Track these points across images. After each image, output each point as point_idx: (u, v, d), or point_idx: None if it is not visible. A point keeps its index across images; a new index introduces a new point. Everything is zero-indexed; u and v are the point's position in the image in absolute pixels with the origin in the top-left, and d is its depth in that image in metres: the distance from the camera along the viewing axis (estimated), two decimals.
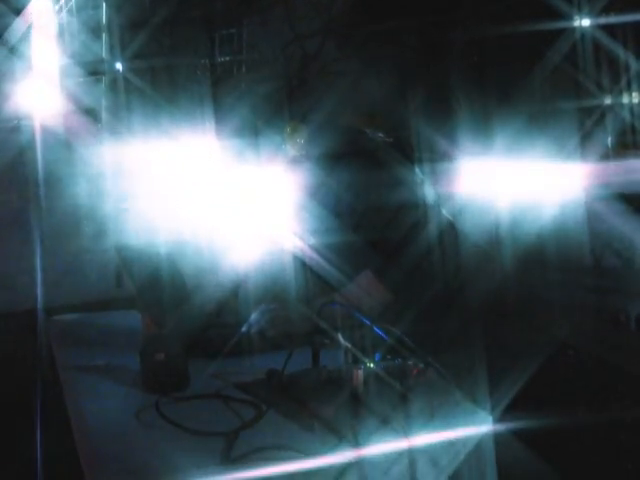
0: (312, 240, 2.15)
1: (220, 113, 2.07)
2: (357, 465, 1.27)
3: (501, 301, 2.27)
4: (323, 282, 2.12)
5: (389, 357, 1.50)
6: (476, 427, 1.43)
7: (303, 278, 2.33)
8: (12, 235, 6.80)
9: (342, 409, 1.33)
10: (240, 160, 2.04)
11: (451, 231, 2.23)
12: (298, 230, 2.18)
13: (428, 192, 2.16)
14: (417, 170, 2.16)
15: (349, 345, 1.51)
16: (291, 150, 2.00)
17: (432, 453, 1.49)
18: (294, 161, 2.02)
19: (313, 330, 1.56)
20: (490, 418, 1.44)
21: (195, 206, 8.73)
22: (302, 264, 2.31)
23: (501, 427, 1.54)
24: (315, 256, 2.18)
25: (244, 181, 2.12)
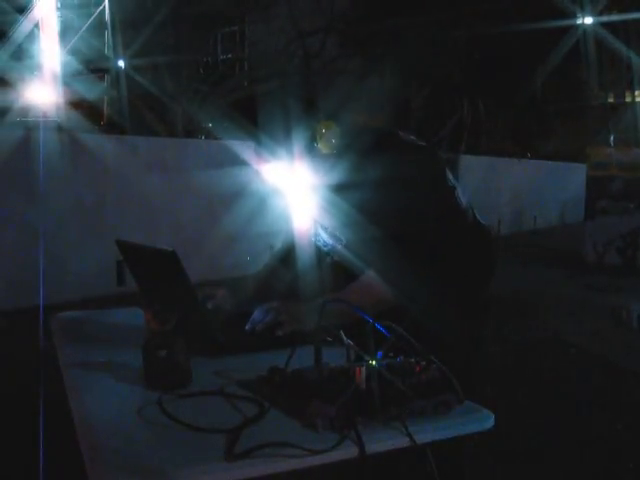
0: (340, 236, 2.16)
1: (252, 111, 2.08)
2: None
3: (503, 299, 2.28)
4: (349, 278, 2.13)
5: (391, 355, 1.51)
6: (478, 425, 1.43)
7: (327, 273, 2.35)
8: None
9: (344, 406, 1.33)
10: (268, 156, 2.05)
11: (484, 235, 2.24)
12: (326, 226, 2.19)
13: (460, 195, 2.16)
14: (449, 174, 2.16)
15: (351, 343, 1.51)
16: (323, 148, 2.01)
17: (434, 450, 1.49)
18: (324, 158, 2.03)
19: (316, 327, 1.56)
20: (492, 416, 1.44)
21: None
22: (328, 259, 2.33)
23: (503, 424, 1.54)
24: (342, 252, 2.19)
25: (272, 177, 2.13)
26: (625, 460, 3.64)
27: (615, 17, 18.86)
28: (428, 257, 2.01)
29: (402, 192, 1.99)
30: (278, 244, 2.47)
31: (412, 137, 2.18)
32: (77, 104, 15.74)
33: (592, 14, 18.26)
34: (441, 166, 2.17)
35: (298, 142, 1.99)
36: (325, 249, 2.28)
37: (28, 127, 11.29)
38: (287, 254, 2.40)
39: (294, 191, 2.13)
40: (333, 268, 2.28)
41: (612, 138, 24.15)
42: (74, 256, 7.37)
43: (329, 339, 1.58)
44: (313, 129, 2.00)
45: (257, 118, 2.02)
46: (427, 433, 1.37)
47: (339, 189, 2.06)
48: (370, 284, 2.01)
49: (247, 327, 1.97)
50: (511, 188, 15.88)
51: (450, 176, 2.17)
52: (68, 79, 16.25)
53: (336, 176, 2.05)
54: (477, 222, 2.21)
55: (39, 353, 3.18)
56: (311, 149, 2.01)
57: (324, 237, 2.24)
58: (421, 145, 2.17)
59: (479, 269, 2.19)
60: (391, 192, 1.98)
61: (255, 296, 2.34)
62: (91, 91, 16.94)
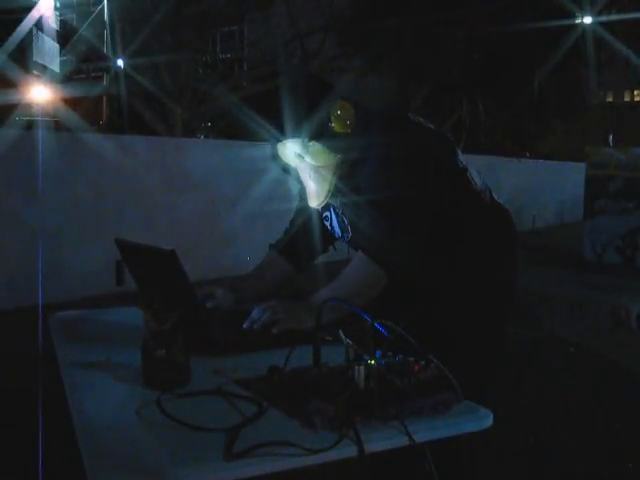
0: (347, 225, 2.18)
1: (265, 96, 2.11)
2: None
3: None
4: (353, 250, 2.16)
5: (390, 354, 1.51)
6: (477, 424, 1.43)
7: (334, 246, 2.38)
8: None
9: (343, 406, 1.33)
10: (282, 137, 2.06)
11: (502, 215, 2.24)
12: (338, 210, 2.20)
13: (475, 176, 2.17)
14: (459, 155, 2.18)
15: (350, 342, 1.51)
16: (338, 127, 2.02)
17: (433, 449, 1.49)
18: (338, 138, 2.04)
19: (314, 326, 1.56)
20: (491, 414, 1.44)
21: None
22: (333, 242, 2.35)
23: (502, 424, 1.54)
24: (354, 232, 2.21)
25: (286, 158, 2.14)
26: (625, 460, 3.64)
27: (614, 16, 18.87)
28: (439, 242, 2.03)
29: (410, 177, 2.00)
30: (279, 236, 2.47)
31: (421, 119, 2.20)
32: (76, 103, 15.74)
33: (591, 13, 18.27)
34: (449, 148, 2.18)
35: (313, 122, 2.00)
36: (336, 237, 2.30)
37: (27, 126, 11.29)
38: (283, 242, 2.41)
39: (307, 172, 2.14)
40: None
41: (611, 137, 24.17)
42: (73, 255, 7.37)
43: (328, 338, 1.58)
44: (328, 109, 2.01)
45: (273, 99, 2.03)
46: (426, 432, 1.37)
47: (351, 170, 2.08)
48: (361, 270, 2.02)
49: (245, 326, 1.97)
50: (510, 187, 15.88)
51: (461, 157, 2.17)
52: (67, 78, 16.24)
53: (348, 157, 2.06)
54: (494, 202, 2.21)
55: (38, 352, 3.18)
56: (326, 129, 2.02)
57: (335, 224, 2.26)
58: (429, 127, 2.18)
59: (497, 249, 2.19)
60: (398, 176, 1.99)
61: (254, 291, 2.35)
62: (90, 90, 16.94)
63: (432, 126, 2.20)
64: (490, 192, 2.21)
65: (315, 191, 2.16)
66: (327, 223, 2.30)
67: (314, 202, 2.18)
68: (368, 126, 2.06)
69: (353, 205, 2.11)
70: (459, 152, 2.19)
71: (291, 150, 2.10)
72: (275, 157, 2.15)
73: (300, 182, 2.24)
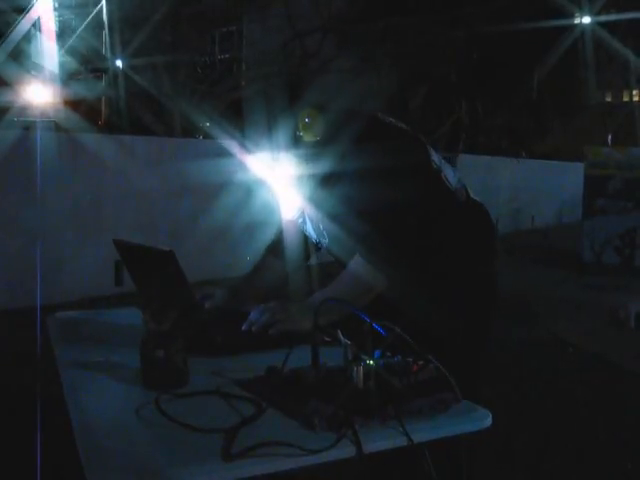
0: (323, 231, 2.17)
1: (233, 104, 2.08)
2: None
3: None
4: (338, 265, 2.15)
5: (389, 354, 1.51)
6: (476, 424, 1.43)
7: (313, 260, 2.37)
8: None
9: (342, 406, 1.33)
10: (254, 148, 2.04)
11: (479, 213, 2.23)
12: (312, 218, 2.19)
13: (450, 176, 2.15)
14: (433, 156, 2.15)
15: (349, 342, 1.51)
16: (307, 136, 2.00)
17: (432, 449, 1.49)
18: (309, 147, 2.02)
19: (313, 327, 1.56)
20: (490, 414, 1.44)
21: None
22: (316, 249, 2.34)
23: (501, 424, 1.54)
24: (326, 248, 2.20)
25: (259, 169, 2.12)
26: (624, 460, 3.64)
27: (613, 16, 18.89)
28: (417, 245, 2.02)
29: (385, 183, 1.99)
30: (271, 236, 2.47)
31: (392, 119, 2.16)
32: (75, 104, 15.74)
33: (590, 13, 18.29)
34: (424, 150, 2.15)
35: (282, 131, 1.99)
36: (314, 242, 2.30)
37: (26, 127, 11.28)
38: (276, 244, 2.41)
39: (281, 182, 2.12)
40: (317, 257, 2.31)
41: (610, 137, 24.19)
42: (72, 256, 7.36)
43: (327, 339, 1.58)
44: (296, 118, 1.99)
45: (242, 110, 2.01)
46: (424, 432, 1.37)
47: (325, 179, 2.06)
48: (358, 273, 2.02)
49: (244, 327, 1.97)
50: (509, 187, 15.88)
51: (435, 158, 2.15)
52: (66, 79, 16.24)
53: (321, 165, 2.04)
54: (470, 201, 2.20)
55: (37, 353, 3.18)
56: (295, 139, 2.00)
57: (310, 230, 2.25)
58: (401, 129, 2.15)
59: (474, 247, 2.18)
60: (374, 183, 1.98)
61: (252, 292, 2.35)
62: (89, 91, 16.94)
63: (404, 126, 2.17)
64: (466, 190, 2.20)
65: (289, 202, 2.15)
66: (306, 231, 2.29)
67: (288, 213, 2.17)
68: (338, 134, 2.03)
69: (329, 215, 2.10)
70: (433, 152, 2.16)
71: (263, 162, 2.08)
72: (247, 169, 2.13)
73: (273, 194, 2.23)
